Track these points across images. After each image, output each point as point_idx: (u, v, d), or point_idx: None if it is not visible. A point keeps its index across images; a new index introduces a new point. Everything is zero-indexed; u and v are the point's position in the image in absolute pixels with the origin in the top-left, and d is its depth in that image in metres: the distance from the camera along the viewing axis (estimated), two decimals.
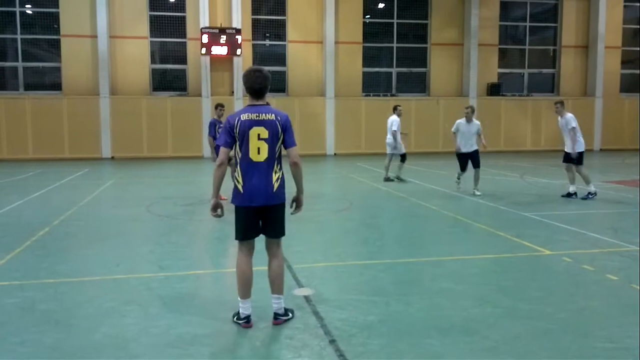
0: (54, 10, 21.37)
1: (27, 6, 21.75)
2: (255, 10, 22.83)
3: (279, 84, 23.20)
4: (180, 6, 22.29)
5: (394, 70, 24.39)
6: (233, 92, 22.17)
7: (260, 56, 23.17)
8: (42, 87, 21.74)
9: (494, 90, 24.26)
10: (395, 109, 13.83)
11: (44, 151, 20.92)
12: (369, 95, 23.84)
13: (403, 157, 13.80)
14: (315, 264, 6.14)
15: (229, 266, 6.51)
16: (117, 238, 7.64)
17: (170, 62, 22.75)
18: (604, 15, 24.47)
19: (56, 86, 21.65)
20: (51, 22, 21.58)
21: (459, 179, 12.01)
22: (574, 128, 10.58)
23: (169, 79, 22.78)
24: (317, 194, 12.30)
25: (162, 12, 22.27)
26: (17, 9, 21.40)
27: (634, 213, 9.34)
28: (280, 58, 23.28)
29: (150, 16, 22.08)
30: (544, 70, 25.51)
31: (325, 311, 4.56)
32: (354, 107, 23.20)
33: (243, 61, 22.12)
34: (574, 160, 10.66)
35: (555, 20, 25.23)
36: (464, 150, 11.61)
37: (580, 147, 10.64)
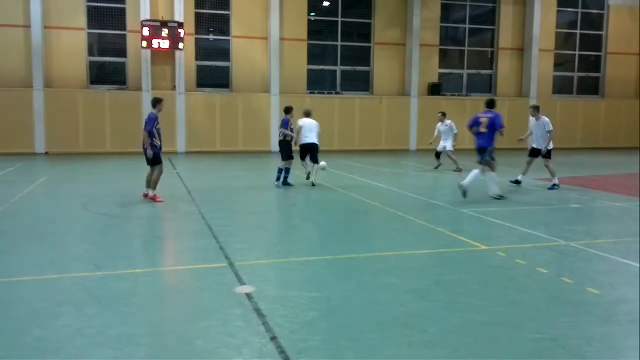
0: None
1: None
2: (199, 3, 22.43)
3: (223, 80, 22.91)
4: None
5: (338, 68, 24.57)
6: (175, 86, 21.72)
7: (203, 51, 22.80)
8: None
9: (434, 89, 24.85)
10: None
11: None
12: (314, 93, 23.92)
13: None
14: (257, 261, 6.12)
15: (167, 265, 6.41)
16: (51, 237, 7.35)
17: (109, 55, 22.02)
18: (539, 20, 25.51)
19: None
20: None
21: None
22: (550, 130, 12.12)
23: (108, 72, 22.05)
24: (261, 190, 12.24)
25: (100, 2, 21.52)
26: None
27: (562, 209, 9.81)
28: (224, 53, 22.98)
29: (88, 7, 21.29)
30: (482, 71, 26.33)
31: (266, 308, 4.55)
32: (299, 104, 23.08)
33: (185, 55, 21.70)
34: (539, 155, 12.17)
35: (493, 23, 26.09)
36: (534, 145, 12.45)
37: (550, 144, 12.13)
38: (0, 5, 20.25)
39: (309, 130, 12.43)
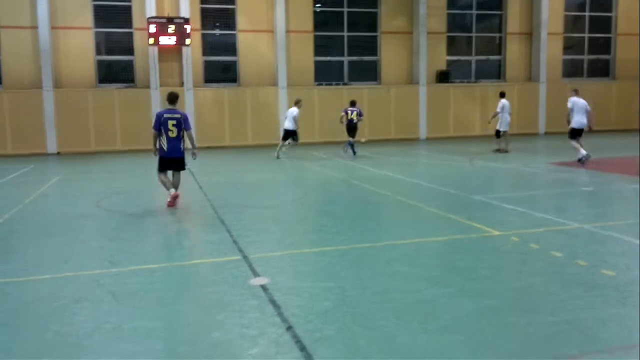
0: None
1: None
2: None
3: (230, 74, 22.92)
4: None
5: (346, 59, 24.48)
6: (183, 82, 21.77)
7: (210, 46, 22.80)
8: None
9: (442, 77, 24.68)
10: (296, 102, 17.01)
11: None
12: (322, 85, 23.87)
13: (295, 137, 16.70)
14: (271, 253, 6.15)
15: (182, 259, 6.46)
16: (66, 235, 7.44)
17: (117, 53, 22.10)
18: (547, 3, 25.21)
19: None
20: None
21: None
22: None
23: (116, 71, 22.14)
24: (273, 183, 12.28)
25: (106, 1, 21.59)
26: None
27: (576, 193, 9.75)
28: (230, 48, 22.97)
29: (94, 6, 21.36)
30: (491, 57, 26.11)
31: (281, 299, 4.59)
32: (307, 96, 23.10)
33: (192, 51, 21.74)
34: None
35: (501, 8, 25.82)
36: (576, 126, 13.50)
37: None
38: (7, 7, 20.38)
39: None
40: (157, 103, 21.40)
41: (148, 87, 21.49)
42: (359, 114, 17.05)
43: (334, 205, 9.44)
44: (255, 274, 5.31)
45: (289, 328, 4.00)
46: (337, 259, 5.89)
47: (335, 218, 8.24)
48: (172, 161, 9.05)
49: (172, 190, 9.07)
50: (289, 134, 16.72)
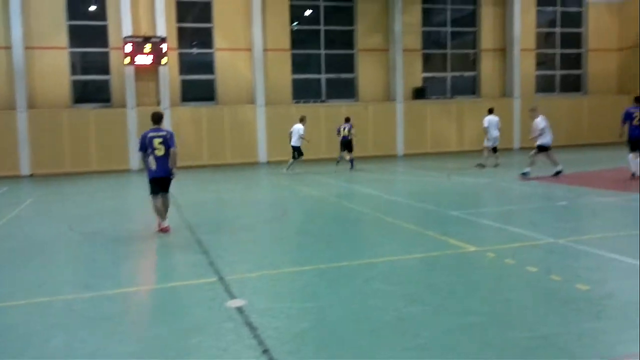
0: None
1: None
2: (181, 18, 22.44)
3: (208, 93, 22.89)
4: (101, 15, 21.56)
5: (323, 76, 24.64)
6: (159, 102, 21.67)
7: (187, 64, 22.78)
8: None
9: (419, 94, 24.98)
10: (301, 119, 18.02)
11: None
12: (300, 102, 23.96)
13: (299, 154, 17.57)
14: (248, 274, 6.10)
15: (157, 282, 6.37)
16: (39, 259, 7.29)
17: (92, 73, 21.95)
18: (519, 20, 25.76)
19: None
20: None
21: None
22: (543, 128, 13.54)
23: (91, 91, 21.95)
24: (251, 202, 12.23)
25: (81, 21, 21.47)
26: None
27: (550, 207, 9.89)
28: (208, 66, 22.98)
29: (69, 26, 21.23)
30: (466, 74, 26.53)
31: (258, 321, 4.54)
32: (285, 114, 23.21)
33: (169, 70, 21.68)
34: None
35: (474, 25, 26.32)
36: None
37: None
38: None
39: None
40: (133, 123, 21.25)
41: (124, 106, 21.34)
42: (350, 129, 18.23)
43: (312, 224, 9.43)
44: (232, 296, 5.25)
45: (265, 351, 3.96)
46: (315, 278, 5.87)
47: (313, 236, 8.23)
48: (161, 181, 8.66)
49: (164, 223, 8.67)
50: (295, 150, 17.67)
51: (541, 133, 13.53)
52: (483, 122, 17.58)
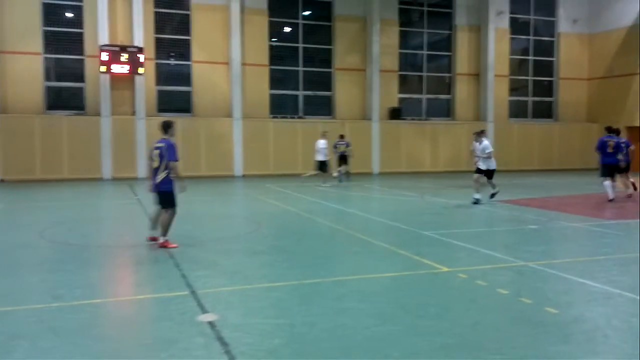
0: None
1: None
2: (159, 29, 22.36)
3: (184, 104, 22.77)
4: (78, 22, 21.36)
5: (301, 93, 24.77)
6: (134, 111, 21.45)
7: (164, 75, 22.65)
8: None
9: (394, 114, 25.28)
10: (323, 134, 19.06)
11: None
12: (277, 117, 24.00)
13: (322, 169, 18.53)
14: (220, 288, 6.04)
15: (127, 294, 6.26)
16: (5, 267, 7.09)
17: (67, 80, 21.67)
18: (493, 46, 26.37)
19: None
20: None
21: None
22: (490, 152, 13.43)
23: (65, 97, 21.65)
24: (225, 216, 12.14)
25: (57, 27, 21.23)
26: None
27: (521, 230, 10.04)
28: (185, 78, 22.89)
29: (45, 31, 20.97)
30: (441, 96, 26.96)
31: (230, 337, 4.49)
32: (262, 128, 23.24)
33: (146, 80, 21.53)
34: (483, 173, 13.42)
35: (450, 49, 26.83)
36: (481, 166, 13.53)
37: (493, 165, 13.62)
38: None
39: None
40: (107, 131, 21.00)
41: (99, 115, 21.08)
42: (347, 145, 19.79)
43: (286, 239, 9.40)
44: (204, 310, 5.19)
45: None
46: (287, 294, 5.84)
47: (287, 252, 8.19)
48: (155, 195, 8.28)
49: (152, 232, 8.35)
50: (321, 165, 18.64)
51: (490, 156, 13.40)
52: (471, 145, 18.00)
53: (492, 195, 13.46)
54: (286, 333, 4.63)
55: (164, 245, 8.04)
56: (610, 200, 13.30)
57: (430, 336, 4.54)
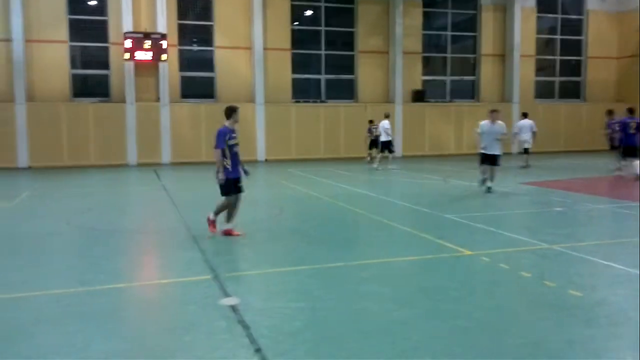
0: None
1: None
2: (182, 15, 22.43)
3: (207, 90, 22.87)
4: (102, 10, 21.55)
5: (323, 77, 24.65)
6: (159, 98, 21.65)
7: (187, 62, 22.75)
8: None
9: (418, 96, 25.01)
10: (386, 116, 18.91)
11: None
12: (299, 102, 23.97)
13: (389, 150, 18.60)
14: (243, 273, 6.11)
15: (152, 278, 6.37)
16: (33, 253, 7.27)
17: (92, 68, 21.93)
18: (519, 26, 25.81)
19: None
20: None
21: (483, 182, 12.21)
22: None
23: (91, 85, 21.93)
24: (247, 200, 12.19)
25: (82, 15, 21.46)
26: None
27: (546, 213, 9.91)
28: (208, 64, 22.96)
29: (70, 20, 21.21)
30: (465, 78, 26.56)
31: (251, 320, 4.55)
32: (284, 113, 23.24)
33: (169, 66, 21.66)
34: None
35: (475, 30, 26.35)
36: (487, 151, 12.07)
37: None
38: None
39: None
40: (132, 118, 21.23)
41: (123, 101, 21.32)
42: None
43: (308, 223, 9.43)
44: (226, 294, 5.26)
45: (258, 350, 3.97)
46: (309, 278, 5.87)
47: (308, 236, 8.23)
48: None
49: (211, 216, 8.05)
50: (385, 145, 18.55)
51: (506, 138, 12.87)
52: (513, 127, 18.68)
53: (489, 189, 11.91)
54: (307, 316, 4.67)
55: (228, 233, 7.85)
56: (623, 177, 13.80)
57: (451, 319, 4.53)
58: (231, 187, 7.87)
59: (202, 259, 6.64)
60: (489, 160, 11.97)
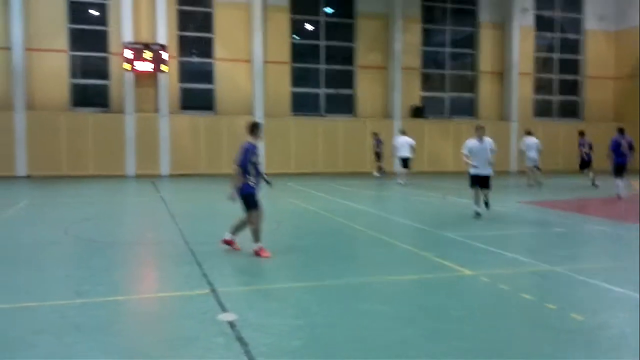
0: None
1: None
2: (182, 26, 22.54)
3: (206, 102, 22.93)
4: (102, 20, 21.64)
5: (322, 91, 24.73)
6: (158, 109, 21.65)
7: (187, 73, 22.83)
8: None
9: (417, 112, 25.09)
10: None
11: None
12: (298, 115, 24.01)
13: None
14: (241, 288, 6.06)
15: (149, 291, 6.31)
16: (29, 263, 7.21)
17: (92, 77, 21.97)
18: (517, 44, 26.01)
19: None
20: None
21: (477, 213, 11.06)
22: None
23: (90, 95, 21.96)
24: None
25: (82, 25, 21.53)
26: None
27: (546, 233, 9.88)
28: (207, 75, 23.04)
29: (70, 29, 21.28)
30: (464, 94, 26.68)
31: (249, 337, 4.49)
32: (283, 126, 23.28)
33: (169, 77, 21.71)
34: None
35: (473, 47, 26.53)
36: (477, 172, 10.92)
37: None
38: None
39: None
40: (131, 128, 21.23)
41: (122, 112, 21.32)
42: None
43: (307, 239, 9.38)
44: (224, 309, 5.20)
45: None
46: (307, 294, 5.82)
47: (307, 252, 8.18)
48: (240, 199, 7.80)
49: (226, 236, 7.94)
50: (405, 161, 18.90)
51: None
52: (520, 145, 18.85)
53: (478, 214, 10.97)
54: (306, 334, 4.62)
55: (257, 254, 7.56)
56: (619, 198, 14.05)
57: (453, 340, 4.48)
58: (257, 200, 7.79)
59: (200, 273, 6.58)
60: (480, 182, 10.89)
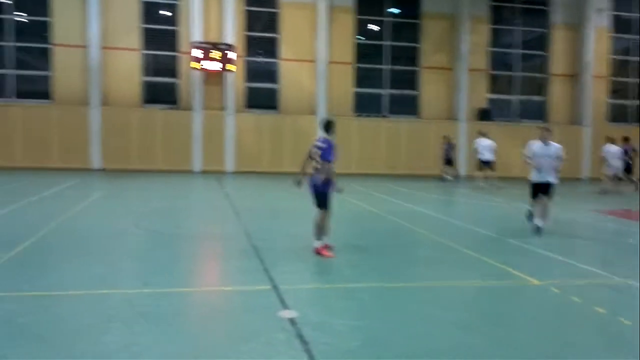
0: (45, 18, 21.32)
1: (15, 13, 21.62)
2: (249, 27, 22.95)
3: (271, 101, 23.24)
4: (173, 20, 22.35)
5: (385, 91, 24.55)
6: (224, 107, 22.15)
7: (252, 73, 23.22)
8: (33, 96, 21.54)
9: (483, 115, 24.45)
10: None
11: (32, 159, 20.70)
12: (361, 116, 23.94)
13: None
14: (301, 285, 6.08)
15: (213, 284, 6.44)
16: (102, 252, 7.52)
17: (162, 75, 22.73)
18: (592, 45, 24.88)
19: (46, 95, 21.49)
20: (41, 31, 21.45)
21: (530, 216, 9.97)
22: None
23: (160, 92, 22.73)
24: (307, 211, 12.21)
25: (154, 25, 22.31)
26: (10, 16, 21.33)
27: (622, 244, 9.37)
28: (272, 75, 23.36)
29: (143, 28, 22.09)
30: (534, 97, 25.78)
31: (309, 335, 4.49)
32: (346, 126, 23.18)
33: (235, 77, 22.15)
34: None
35: (544, 49, 25.59)
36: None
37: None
38: (60, 26, 21.25)
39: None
40: (198, 125, 21.81)
41: (190, 109, 21.95)
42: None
43: (368, 240, 9.31)
44: (285, 306, 5.23)
45: None
46: (368, 296, 5.77)
47: (368, 253, 8.11)
48: (313, 196, 7.82)
49: (316, 243, 7.68)
50: (487, 164, 18.69)
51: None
52: (602, 152, 17.98)
53: (538, 229, 9.51)
54: (366, 336, 4.57)
55: (318, 252, 7.51)
56: None
57: (518, 350, 4.32)
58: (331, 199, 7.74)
59: (262, 269, 6.66)
60: (542, 189, 9.53)
